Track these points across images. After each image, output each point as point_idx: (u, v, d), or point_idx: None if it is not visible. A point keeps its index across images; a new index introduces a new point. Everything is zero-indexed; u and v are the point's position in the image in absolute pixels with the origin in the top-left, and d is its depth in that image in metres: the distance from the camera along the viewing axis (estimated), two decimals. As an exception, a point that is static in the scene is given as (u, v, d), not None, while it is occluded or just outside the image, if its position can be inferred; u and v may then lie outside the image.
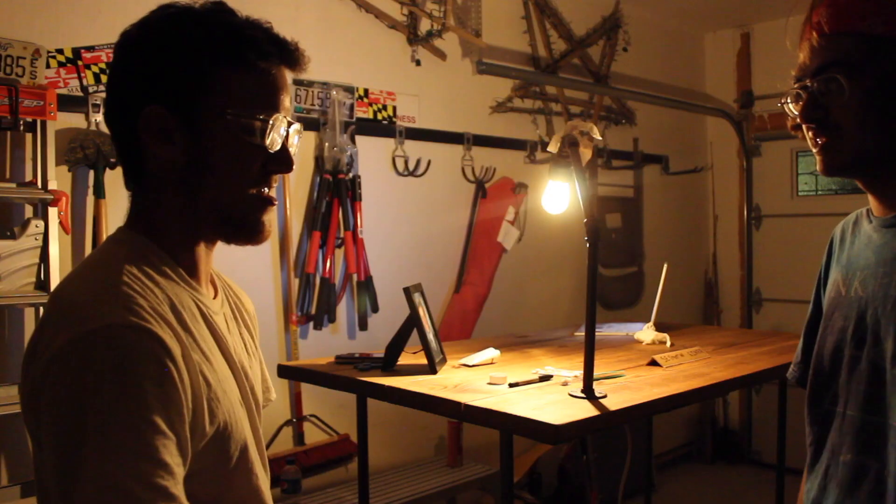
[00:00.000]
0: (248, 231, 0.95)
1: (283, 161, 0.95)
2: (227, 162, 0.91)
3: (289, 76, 0.96)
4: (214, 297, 1.02)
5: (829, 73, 1.01)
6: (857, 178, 1.08)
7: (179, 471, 0.80)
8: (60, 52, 2.34)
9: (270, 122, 0.92)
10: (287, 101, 0.95)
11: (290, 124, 0.96)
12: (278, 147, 0.94)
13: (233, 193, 0.93)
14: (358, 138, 3.05)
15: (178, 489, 0.79)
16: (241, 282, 2.97)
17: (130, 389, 0.78)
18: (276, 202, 0.97)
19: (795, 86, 1.05)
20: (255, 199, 0.94)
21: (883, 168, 1.04)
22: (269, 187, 0.96)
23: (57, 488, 0.77)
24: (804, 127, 1.06)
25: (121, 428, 0.76)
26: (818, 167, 1.06)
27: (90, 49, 2.38)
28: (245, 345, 1.06)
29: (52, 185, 2.16)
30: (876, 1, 0.99)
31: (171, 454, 0.79)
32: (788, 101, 1.08)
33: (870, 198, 1.10)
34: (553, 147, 1.79)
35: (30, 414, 0.84)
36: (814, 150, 1.06)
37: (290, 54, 0.94)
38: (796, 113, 1.06)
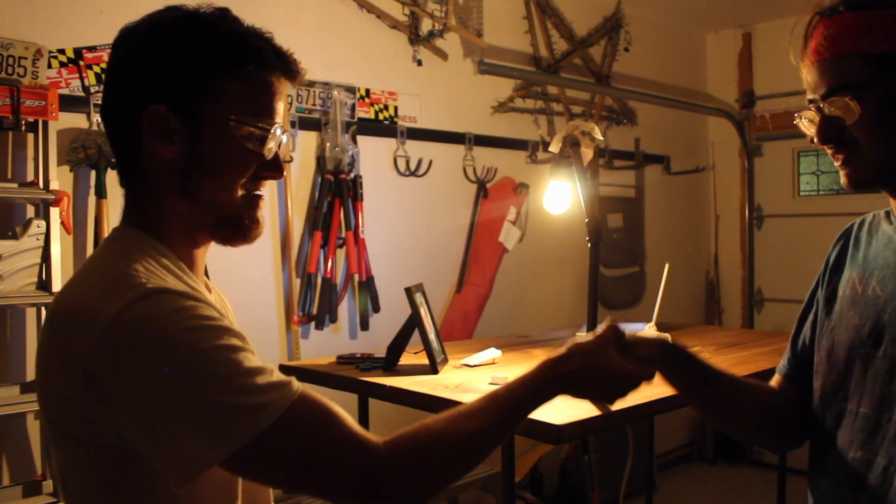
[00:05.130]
0: (244, 230, 0.98)
1: (275, 168, 0.98)
2: (224, 165, 0.94)
3: (286, 86, 0.98)
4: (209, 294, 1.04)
5: (839, 95, 1.02)
6: (881, 189, 1.10)
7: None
8: (62, 52, 2.34)
9: (270, 130, 0.95)
10: (282, 109, 0.98)
11: (283, 132, 0.98)
12: (273, 154, 0.97)
13: (227, 195, 0.95)
14: (359, 138, 3.05)
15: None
16: (243, 282, 2.96)
17: (191, 335, 0.82)
18: (265, 197, 1.01)
19: (810, 106, 1.07)
20: (247, 198, 0.97)
21: None
22: (258, 190, 0.99)
23: (170, 449, 0.81)
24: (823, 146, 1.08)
25: (210, 364, 0.81)
26: (842, 182, 1.08)
27: (92, 49, 2.38)
28: None
29: (53, 186, 2.16)
30: (874, 19, 1.00)
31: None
32: (803, 119, 1.09)
33: (891, 200, 1.12)
34: (555, 147, 1.79)
35: (61, 411, 0.86)
36: (836, 165, 1.08)
37: (289, 66, 0.97)
38: (812, 132, 1.08)
